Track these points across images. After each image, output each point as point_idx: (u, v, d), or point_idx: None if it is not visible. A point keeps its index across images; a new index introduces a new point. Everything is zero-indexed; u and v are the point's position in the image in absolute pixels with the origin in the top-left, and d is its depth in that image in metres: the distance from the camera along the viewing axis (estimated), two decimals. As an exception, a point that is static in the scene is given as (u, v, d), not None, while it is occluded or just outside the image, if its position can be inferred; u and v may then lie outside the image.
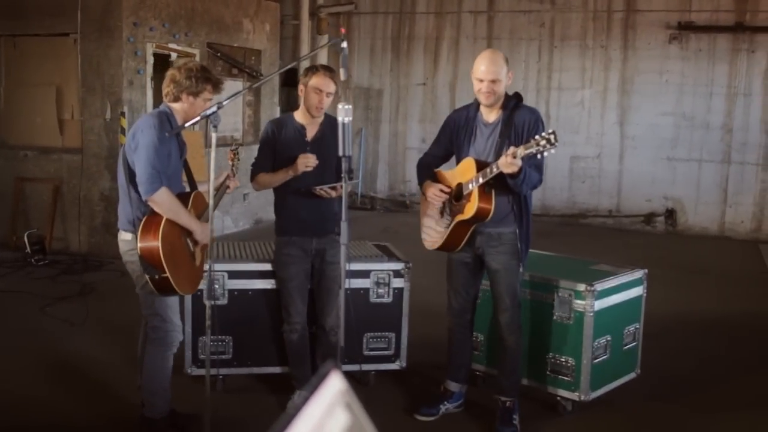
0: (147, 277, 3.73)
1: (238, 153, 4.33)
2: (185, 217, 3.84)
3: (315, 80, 4.32)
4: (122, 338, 5.69)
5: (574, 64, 11.65)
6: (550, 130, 3.75)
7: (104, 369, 5.20)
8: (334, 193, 4.22)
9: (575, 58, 11.64)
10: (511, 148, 3.86)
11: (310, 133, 4.44)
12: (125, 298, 6.63)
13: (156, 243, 3.67)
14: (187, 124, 3.76)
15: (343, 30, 3.81)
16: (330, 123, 4.40)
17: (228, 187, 4.21)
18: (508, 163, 3.82)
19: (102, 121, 8.35)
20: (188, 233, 3.90)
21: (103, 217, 8.47)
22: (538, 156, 3.84)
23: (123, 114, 8.21)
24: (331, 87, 4.32)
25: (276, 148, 4.45)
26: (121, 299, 6.73)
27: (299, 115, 4.49)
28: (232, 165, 4.30)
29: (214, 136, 3.50)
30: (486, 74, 4.13)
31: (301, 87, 4.41)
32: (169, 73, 3.96)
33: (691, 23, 10.90)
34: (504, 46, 11.74)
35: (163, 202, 3.73)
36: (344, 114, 3.75)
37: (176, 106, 3.92)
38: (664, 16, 11.06)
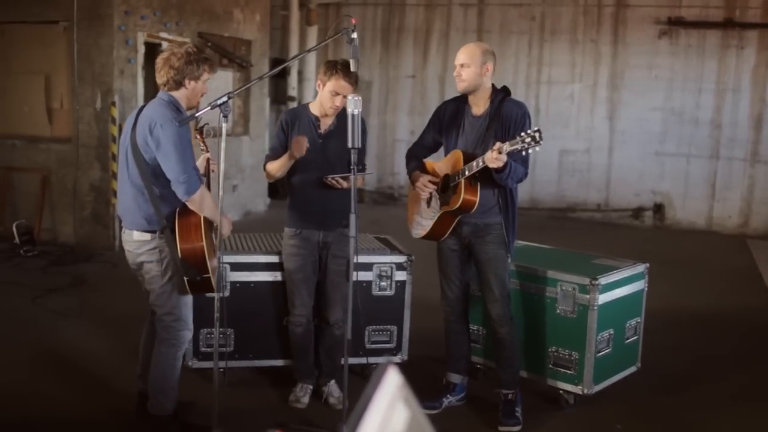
0: (186, 279, 3.63)
1: (203, 134, 4.14)
2: (218, 214, 3.69)
3: (333, 83, 4.24)
4: (116, 330, 5.63)
5: (564, 58, 11.67)
6: (536, 128, 3.80)
7: (103, 361, 5.13)
8: (345, 184, 4.18)
9: (565, 52, 11.65)
10: (497, 144, 3.89)
11: (324, 125, 4.41)
12: (117, 290, 6.60)
13: (201, 244, 3.59)
14: (198, 113, 3.70)
15: (353, 20, 3.77)
16: (345, 115, 4.36)
17: (213, 170, 4.11)
18: (494, 158, 3.87)
19: (92, 111, 8.25)
20: (214, 228, 3.82)
21: (93, 208, 8.37)
22: (523, 153, 3.87)
23: (114, 103, 8.11)
24: (349, 90, 4.24)
25: (289, 139, 4.41)
26: (114, 290, 6.68)
27: (314, 107, 4.45)
28: (205, 146, 4.13)
29: (224, 126, 3.45)
30: (457, 58, 4.26)
31: (318, 83, 4.35)
32: (163, 59, 3.77)
33: (681, 19, 10.95)
34: (494, 39, 11.73)
35: (203, 200, 3.65)
36: (354, 105, 3.73)
37: (178, 93, 3.79)
38: (654, 12, 11.11)
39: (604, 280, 4.50)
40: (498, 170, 3.94)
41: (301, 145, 4.18)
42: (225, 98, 3.51)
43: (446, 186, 4.29)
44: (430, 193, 4.40)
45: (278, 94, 12.32)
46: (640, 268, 4.90)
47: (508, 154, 3.86)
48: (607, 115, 11.53)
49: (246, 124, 10.86)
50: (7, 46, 8.82)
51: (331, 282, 4.47)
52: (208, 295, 4.56)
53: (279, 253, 4.77)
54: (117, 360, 5.10)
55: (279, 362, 4.85)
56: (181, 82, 3.76)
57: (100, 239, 8.31)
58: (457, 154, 4.22)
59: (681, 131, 11.13)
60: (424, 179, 4.37)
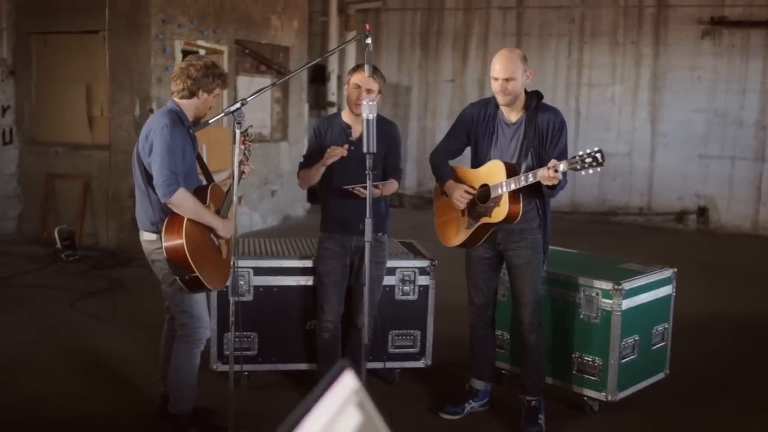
0: (177, 278, 3.73)
1: (249, 136, 4.20)
2: (206, 216, 3.82)
3: (355, 76, 4.34)
4: (150, 333, 5.70)
5: (604, 60, 11.53)
6: (596, 148, 3.73)
7: (132, 364, 5.23)
8: (373, 191, 4.17)
9: (605, 54, 11.51)
10: (553, 162, 3.84)
11: (356, 132, 4.44)
12: (152, 294, 6.66)
13: (181, 244, 3.66)
14: (211, 121, 3.76)
15: (367, 26, 3.79)
16: (378, 123, 4.37)
17: (243, 172, 4.16)
18: (550, 176, 3.83)
19: (131, 118, 8.42)
20: (211, 228, 3.90)
21: (132, 213, 8.39)
22: (583, 173, 3.84)
23: (152, 111, 8.26)
24: (372, 84, 4.29)
25: (323, 146, 4.46)
26: (149, 294, 6.76)
27: (346, 115, 4.52)
28: (245, 149, 4.22)
29: (238, 132, 3.50)
30: (500, 72, 4.09)
31: (345, 87, 4.47)
32: (181, 68, 3.90)
33: (724, 18, 10.73)
34: (533, 42, 11.65)
35: (183, 203, 3.73)
36: (368, 110, 3.73)
37: (188, 103, 3.90)
38: (696, 12, 10.91)
39: (627, 285, 4.43)
40: (550, 187, 3.94)
41: (337, 153, 4.24)
42: (238, 105, 3.56)
43: (485, 197, 4.20)
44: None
45: (318, 100, 12.40)
46: (668, 272, 4.81)
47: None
48: (649, 118, 11.35)
49: (284, 130, 10.95)
50: (50, 56, 9.06)
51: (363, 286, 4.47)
52: (231, 298, 4.64)
53: (303, 257, 4.81)
54: (147, 363, 5.17)
55: (302, 366, 4.88)
56: (195, 93, 3.87)
57: (139, 244, 8.34)
58: (498, 165, 4.14)
59: (725, 133, 10.91)
60: (460, 190, 4.31)
